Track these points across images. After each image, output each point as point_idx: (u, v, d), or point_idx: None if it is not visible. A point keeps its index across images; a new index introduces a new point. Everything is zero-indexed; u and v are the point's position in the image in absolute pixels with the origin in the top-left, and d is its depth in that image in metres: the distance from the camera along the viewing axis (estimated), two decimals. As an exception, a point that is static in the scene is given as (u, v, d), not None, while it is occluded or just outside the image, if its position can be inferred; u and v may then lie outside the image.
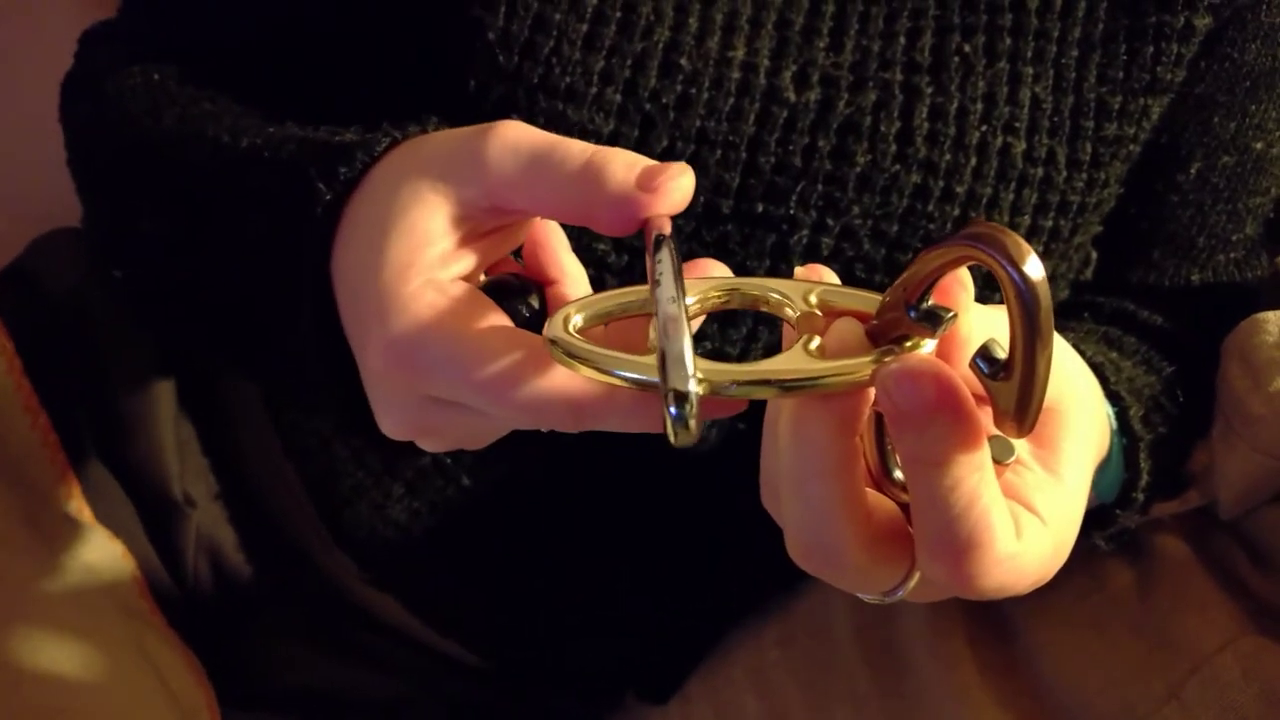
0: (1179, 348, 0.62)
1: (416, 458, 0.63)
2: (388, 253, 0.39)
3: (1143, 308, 0.63)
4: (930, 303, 0.34)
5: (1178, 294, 0.63)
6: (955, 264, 0.33)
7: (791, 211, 0.53)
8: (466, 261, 0.40)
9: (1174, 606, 0.59)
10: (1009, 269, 0.31)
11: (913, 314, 0.34)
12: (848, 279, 0.54)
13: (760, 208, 0.53)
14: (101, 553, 0.63)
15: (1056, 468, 0.39)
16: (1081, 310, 0.63)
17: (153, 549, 0.66)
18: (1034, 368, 0.32)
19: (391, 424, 0.41)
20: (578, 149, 0.38)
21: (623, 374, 0.35)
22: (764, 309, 0.39)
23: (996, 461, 0.35)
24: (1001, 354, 0.33)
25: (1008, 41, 0.54)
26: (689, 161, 0.52)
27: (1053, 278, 0.58)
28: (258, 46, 0.59)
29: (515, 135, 0.38)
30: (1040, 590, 0.61)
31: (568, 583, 0.66)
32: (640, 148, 0.52)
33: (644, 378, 0.34)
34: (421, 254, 0.38)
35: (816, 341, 0.35)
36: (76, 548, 0.62)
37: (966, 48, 0.54)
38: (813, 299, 0.37)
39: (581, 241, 0.53)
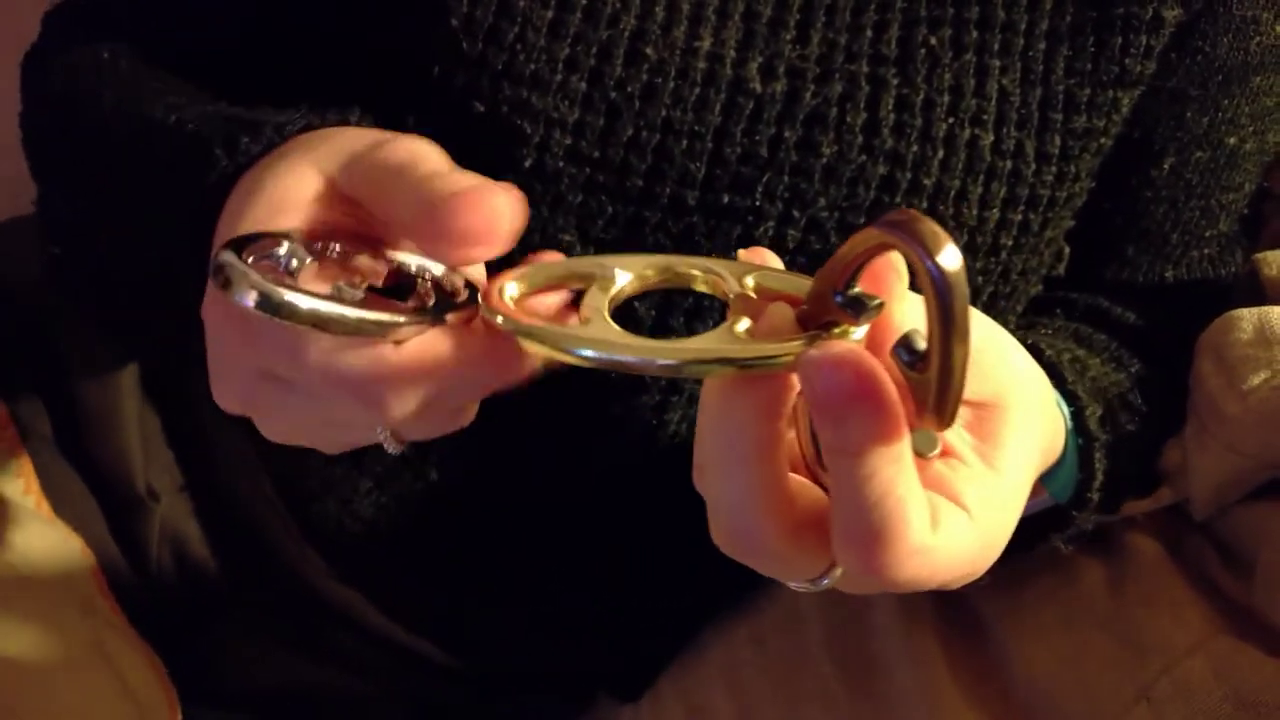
0: (1152, 345, 0.61)
1: (388, 451, 0.62)
2: (245, 214, 0.39)
3: (1116, 304, 0.63)
4: (857, 289, 0.34)
5: (1152, 290, 0.63)
6: (875, 251, 0.33)
7: (757, 203, 0.52)
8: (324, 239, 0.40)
9: (1146, 607, 0.58)
10: (923, 258, 0.30)
11: (839, 299, 0.34)
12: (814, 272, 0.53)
13: (726, 199, 0.52)
14: (59, 548, 0.63)
15: (995, 461, 0.38)
16: (1054, 306, 0.63)
17: (114, 544, 0.66)
18: (950, 361, 0.31)
19: (222, 391, 0.40)
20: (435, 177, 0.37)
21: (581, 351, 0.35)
22: (698, 288, 0.39)
23: (919, 454, 0.35)
24: (923, 344, 0.33)
25: (974, 34, 0.54)
26: (654, 151, 0.52)
27: (1024, 272, 0.58)
28: (217, 31, 0.58)
29: (410, 146, 0.38)
30: (1012, 589, 0.62)
31: (537, 580, 0.65)
32: (606, 136, 0.51)
33: (603, 355, 0.34)
34: (276, 219, 0.38)
35: (746, 323, 0.35)
36: (33, 543, 0.62)
37: (933, 40, 0.54)
38: (749, 281, 0.37)
39: (546, 231, 0.53)
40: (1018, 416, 0.39)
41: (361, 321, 0.35)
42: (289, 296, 0.34)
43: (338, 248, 0.39)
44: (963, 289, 0.30)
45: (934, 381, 0.32)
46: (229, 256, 0.35)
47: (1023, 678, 0.59)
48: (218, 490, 0.69)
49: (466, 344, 0.37)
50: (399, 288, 0.40)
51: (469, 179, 0.37)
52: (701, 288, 0.39)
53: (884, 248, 0.32)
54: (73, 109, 0.55)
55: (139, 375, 0.67)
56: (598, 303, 0.37)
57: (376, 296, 0.38)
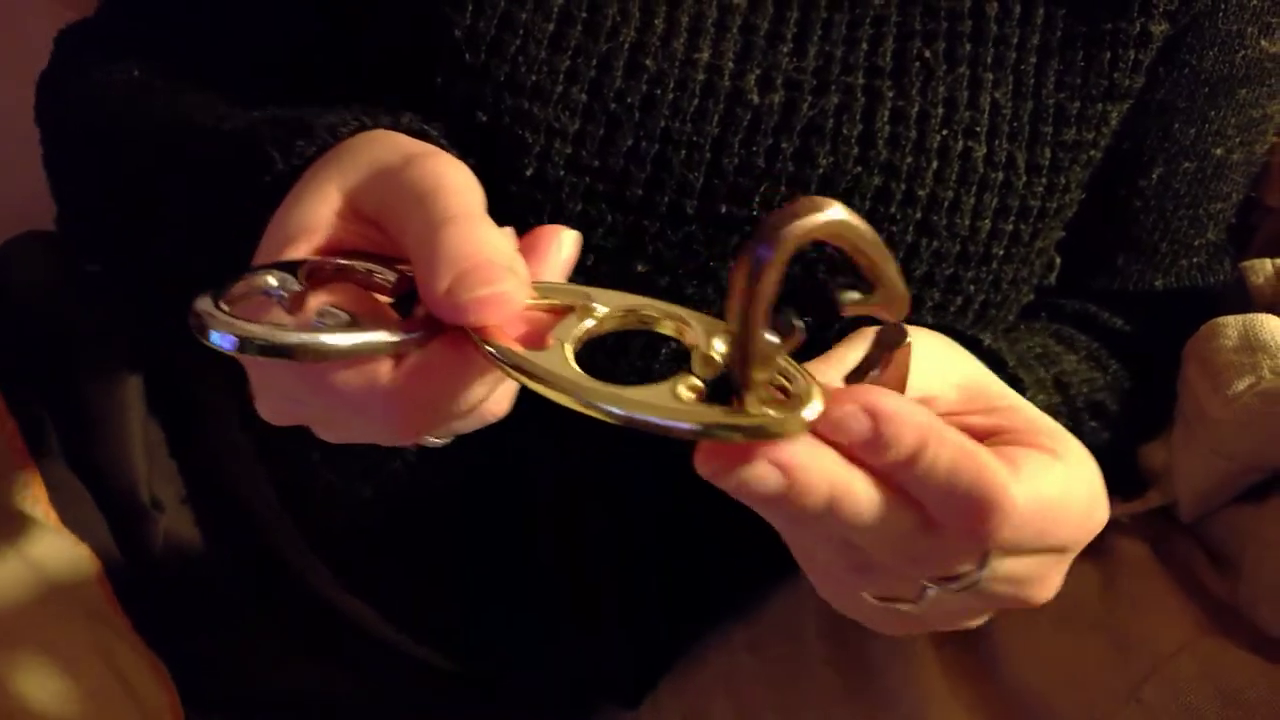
0: (1138, 350, 0.62)
1: (389, 461, 0.63)
2: (270, 238, 0.39)
3: (1105, 310, 0.63)
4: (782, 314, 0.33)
5: (1141, 299, 0.64)
6: (781, 267, 0.31)
7: (755, 213, 0.53)
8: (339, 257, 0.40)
9: (1134, 607, 0.59)
10: (812, 218, 0.31)
11: (772, 338, 0.33)
12: (808, 280, 0.54)
13: (724, 209, 0.53)
14: (67, 556, 0.63)
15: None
16: (1040, 310, 0.63)
17: (120, 553, 0.66)
18: (885, 272, 0.33)
19: (266, 412, 0.41)
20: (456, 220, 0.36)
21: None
22: (664, 331, 0.39)
23: (892, 347, 0.35)
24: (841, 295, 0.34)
25: (968, 47, 0.55)
26: (654, 161, 0.53)
27: (1015, 282, 0.59)
28: (227, 47, 0.59)
29: (438, 172, 0.38)
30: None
31: (542, 589, 0.66)
32: (606, 146, 0.52)
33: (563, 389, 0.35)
34: (297, 243, 0.39)
35: (691, 384, 0.34)
36: (41, 551, 0.62)
37: (927, 53, 0.54)
38: (717, 344, 0.36)
39: None
40: (1010, 410, 0.41)
41: (342, 347, 0.35)
42: (262, 334, 0.34)
43: (345, 263, 0.39)
44: (853, 214, 0.31)
45: (881, 296, 0.34)
46: (203, 304, 0.35)
47: (1015, 678, 0.60)
48: (222, 501, 0.69)
49: (456, 359, 0.37)
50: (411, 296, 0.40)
51: (478, 243, 0.36)
52: (673, 334, 0.38)
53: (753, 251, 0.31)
54: (109, 126, 0.55)
55: (143, 387, 0.68)
56: (566, 335, 0.36)
57: (376, 312, 0.38)
